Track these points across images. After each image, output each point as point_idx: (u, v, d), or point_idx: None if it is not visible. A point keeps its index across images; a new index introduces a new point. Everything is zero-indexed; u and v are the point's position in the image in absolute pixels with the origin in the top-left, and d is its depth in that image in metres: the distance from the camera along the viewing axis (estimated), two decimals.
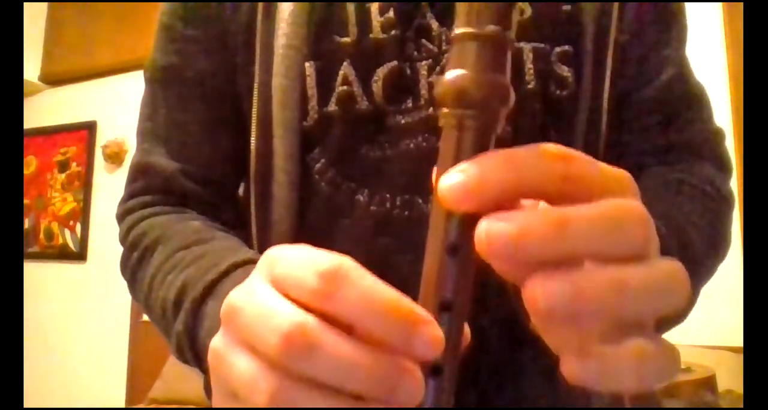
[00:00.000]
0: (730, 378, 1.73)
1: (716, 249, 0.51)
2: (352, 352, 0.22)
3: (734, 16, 2.08)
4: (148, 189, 0.55)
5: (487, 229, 0.22)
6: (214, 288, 0.41)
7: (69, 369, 3.03)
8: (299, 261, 0.24)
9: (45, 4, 3.36)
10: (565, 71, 0.50)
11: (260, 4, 0.52)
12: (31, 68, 3.26)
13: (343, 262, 0.23)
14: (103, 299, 2.99)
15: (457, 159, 0.24)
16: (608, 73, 0.50)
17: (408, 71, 0.50)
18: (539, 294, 0.22)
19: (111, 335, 2.95)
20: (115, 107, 3.05)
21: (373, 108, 0.50)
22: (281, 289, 0.25)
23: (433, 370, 0.24)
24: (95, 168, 3.16)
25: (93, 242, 3.10)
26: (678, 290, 0.23)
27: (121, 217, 0.56)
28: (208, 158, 0.56)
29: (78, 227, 3.14)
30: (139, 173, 0.56)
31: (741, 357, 1.82)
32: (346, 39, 0.50)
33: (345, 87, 0.50)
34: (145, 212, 0.54)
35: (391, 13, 0.50)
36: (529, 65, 0.49)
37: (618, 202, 0.23)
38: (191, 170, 0.55)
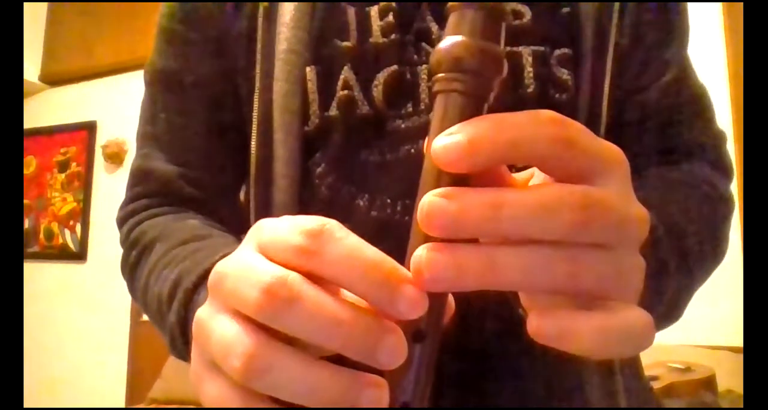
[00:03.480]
0: (730, 378, 1.73)
1: (713, 248, 0.50)
2: (334, 307, 0.22)
3: (734, 16, 2.08)
4: (147, 194, 0.56)
5: (429, 202, 0.23)
6: (206, 278, 0.40)
7: (69, 369, 3.03)
8: (285, 225, 0.24)
9: (45, 4, 3.36)
10: (564, 74, 0.49)
11: (261, 8, 0.52)
12: (31, 68, 3.26)
13: (328, 222, 0.23)
14: (103, 299, 2.99)
15: (450, 123, 0.24)
16: (608, 75, 0.50)
17: (408, 76, 0.49)
18: (423, 263, 0.23)
19: (111, 335, 2.95)
20: (115, 107, 3.05)
21: (373, 113, 0.49)
22: (266, 253, 0.25)
23: (415, 336, 0.24)
24: (95, 168, 3.16)
25: (93, 242, 3.10)
26: (615, 277, 0.24)
27: (121, 221, 0.57)
28: (208, 162, 0.56)
29: (78, 227, 3.14)
30: (139, 178, 0.57)
31: (741, 357, 1.82)
32: (347, 43, 0.50)
33: (346, 91, 0.49)
34: (144, 214, 0.55)
35: (390, 17, 0.50)
36: (528, 69, 0.48)
37: (557, 188, 0.23)
38: (191, 174, 0.55)
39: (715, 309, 1.81)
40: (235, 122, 0.54)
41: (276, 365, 0.22)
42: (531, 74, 0.48)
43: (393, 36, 0.50)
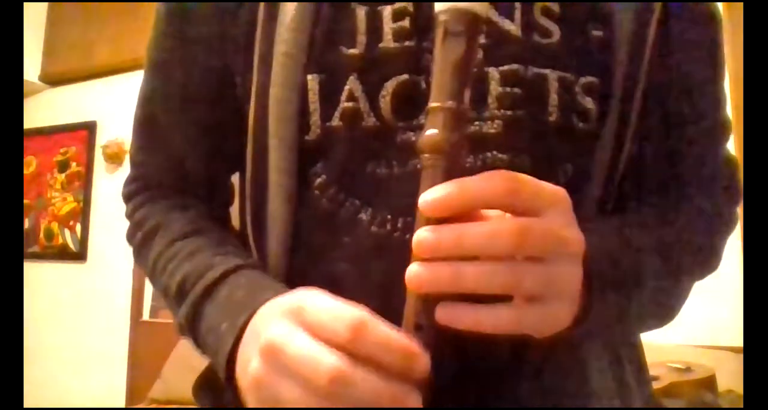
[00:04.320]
0: (730, 378, 1.73)
1: (697, 258, 0.50)
2: (375, 383, 0.33)
3: (734, 16, 2.08)
4: (146, 176, 0.60)
5: (417, 235, 0.36)
6: (209, 293, 0.48)
7: (69, 369, 3.03)
8: (327, 313, 0.35)
9: (45, 4, 3.36)
10: (588, 104, 0.47)
11: (262, 5, 0.49)
12: (31, 68, 3.26)
13: (363, 316, 0.34)
14: (103, 299, 2.99)
15: (433, 185, 0.36)
16: (636, 106, 0.48)
17: (423, 85, 0.46)
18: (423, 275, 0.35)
19: (111, 335, 2.95)
20: (115, 107, 3.05)
21: (380, 125, 0.47)
22: (315, 335, 0.34)
23: (416, 327, 0.36)
24: (95, 168, 3.15)
25: (93, 242, 3.10)
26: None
27: (126, 197, 0.61)
28: (197, 160, 0.57)
29: (78, 227, 3.14)
30: (136, 164, 0.61)
31: (741, 357, 1.82)
32: (354, 51, 0.47)
33: (350, 103, 0.47)
34: (146, 196, 0.59)
35: (406, 22, 0.47)
36: (553, 96, 0.46)
37: (500, 221, 0.35)
38: (179, 168, 0.57)
39: (715, 309, 1.81)
40: (234, 119, 0.53)
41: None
42: (555, 102, 0.46)
43: (407, 42, 0.47)
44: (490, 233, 0.34)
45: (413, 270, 0.35)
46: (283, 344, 0.35)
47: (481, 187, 0.35)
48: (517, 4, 0.47)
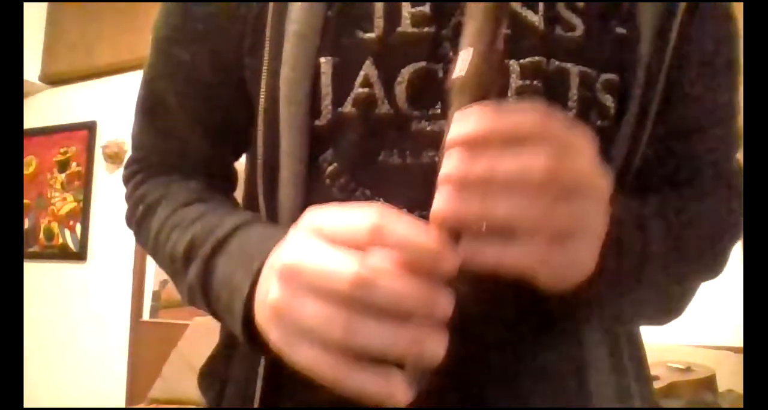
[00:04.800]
0: (730, 378, 1.73)
1: (705, 256, 0.50)
2: (403, 282, 0.30)
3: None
4: (147, 158, 0.59)
5: (448, 158, 0.34)
6: (221, 246, 0.46)
7: (69, 369, 3.03)
8: (342, 221, 0.32)
9: (45, 4, 3.36)
10: (608, 101, 0.47)
11: None
12: (31, 68, 3.26)
13: (381, 217, 0.31)
14: (103, 299, 2.99)
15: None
16: (654, 106, 0.48)
17: (440, 73, 0.45)
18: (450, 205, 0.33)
19: (111, 335, 2.95)
20: (115, 107, 3.05)
21: (394, 112, 0.45)
22: (334, 243, 0.32)
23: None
24: (95, 168, 3.16)
25: (93, 242, 3.10)
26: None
27: (126, 178, 0.60)
28: (204, 138, 0.56)
29: (78, 227, 3.14)
30: (136, 147, 0.60)
31: (741, 357, 1.82)
32: (371, 34, 0.45)
33: (365, 89, 0.45)
34: (146, 174, 0.58)
35: (426, 7, 0.45)
36: (573, 91, 0.46)
37: (531, 154, 0.32)
38: (182, 149, 0.57)
39: (715, 309, 1.81)
40: (239, 100, 0.51)
41: (367, 328, 0.30)
42: (575, 96, 0.46)
43: (426, 28, 0.45)
44: (524, 164, 0.32)
45: (440, 199, 0.33)
46: (300, 261, 0.32)
47: (517, 111, 0.33)
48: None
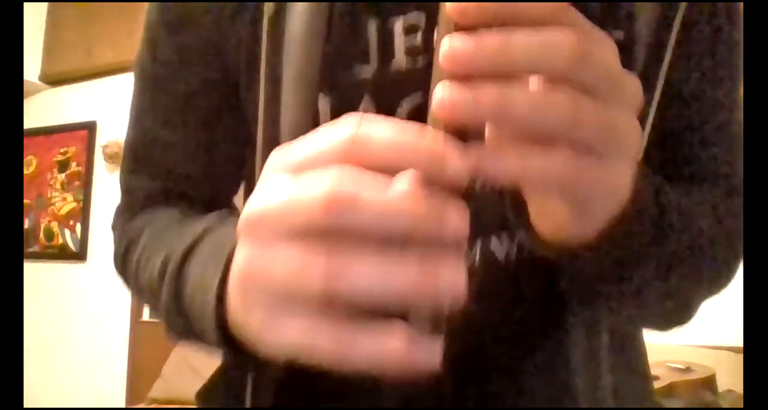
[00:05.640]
0: (730, 378, 1.73)
1: (727, 254, 0.48)
2: (394, 195, 0.23)
3: None
4: (138, 203, 0.56)
5: (450, 41, 0.25)
6: (192, 250, 0.40)
7: (69, 369, 3.03)
8: (317, 138, 0.25)
9: (45, 4, 3.36)
10: None
11: (266, 17, 0.45)
12: (31, 68, 3.26)
13: (357, 122, 0.25)
14: (103, 299, 2.99)
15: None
16: (653, 109, 0.46)
17: None
18: (446, 96, 0.25)
19: (111, 335, 2.95)
20: (115, 107, 3.05)
21: None
22: (306, 169, 0.25)
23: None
24: (95, 168, 3.16)
25: (93, 242, 3.10)
26: (593, 124, 0.25)
27: (114, 226, 0.57)
28: (196, 178, 0.54)
29: (78, 227, 3.14)
30: (125, 191, 0.57)
31: (741, 357, 1.82)
32: (367, 71, 0.45)
33: None
34: (133, 212, 0.55)
35: (418, 38, 0.44)
36: None
37: (559, 29, 0.25)
38: (175, 189, 0.54)
39: (715, 309, 1.81)
40: (231, 134, 0.51)
41: (352, 263, 0.23)
42: None
43: (420, 60, 0.44)
44: (546, 41, 0.24)
45: (445, 91, 0.25)
46: (263, 207, 0.25)
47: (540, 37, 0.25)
48: None
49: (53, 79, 3.33)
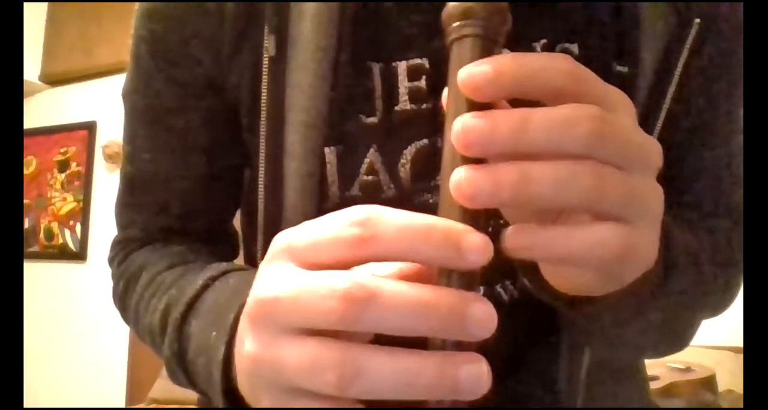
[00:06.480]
0: (730, 378, 1.73)
1: (726, 279, 0.48)
2: (412, 290, 0.22)
3: None
4: (136, 238, 0.55)
5: (463, 122, 0.24)
6: (193, 306, 0.40)
7: (69, 369, 3.03)
8: (324, 226, 0.24)
9: (45, 4, 3.36)
10: None
11: (267, 56, 0.44)
12: (31, 68, 3.26)
13: (368, 207, 0.23)
14: (103, 300, 2.99)
15: (468, 63, 0.25)
16: (655, 135, 0.46)
17: (440, 143, 0.43)
18: (463, 180, 0.24)
19: (111, 335, 2.95)
20: (115, 107, 3.05)
21: (399, 193, 0.45)
22: (311, 260, 0.24)
23: None
24: (95, 168, 3.16)
25: (93, 242, 3.10)
26: (613, 194, 0.24)
27: (110, 260, 0.56)
28: (194, 213, 0.53)
29: (78, 227, 3.14)
30: (121, 226, 0.56)
31: (741, 357, 1.82)
32: (372, 119, 0.44)
33: (370, 177, 0.45)
34: (131, 248, 0.54)
35: (422, 83, 0.44)
36: None
37: (576, 105, 0.24)
38: (173, 225, 0.53)
39: None
40: (230, 167, 0.50)
41: (367, 365, 0.22)
42: None
43: (424, 105, 0.44)
44: (564, 117, 0.23)
45: (462, 176, 0.24)
46: (273, 294, 0.24)
47: (542, 61, 0.25)
48: (538, 44, 0.45)
49: (53, 79, 3.32)
